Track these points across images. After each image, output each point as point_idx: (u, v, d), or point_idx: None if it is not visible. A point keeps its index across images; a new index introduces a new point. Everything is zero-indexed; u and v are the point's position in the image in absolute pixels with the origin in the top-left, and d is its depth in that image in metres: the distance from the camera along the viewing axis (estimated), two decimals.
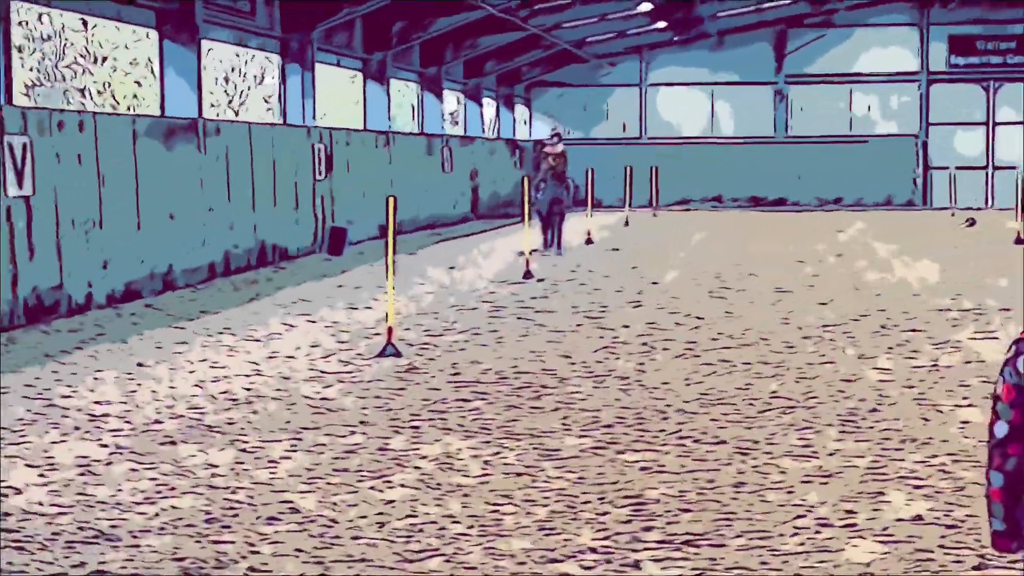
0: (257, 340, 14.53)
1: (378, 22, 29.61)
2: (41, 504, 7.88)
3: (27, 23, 37.41)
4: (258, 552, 6.90)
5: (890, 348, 13.72)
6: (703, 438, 9.54)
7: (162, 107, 20.35)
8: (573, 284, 20.14)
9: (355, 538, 7.13)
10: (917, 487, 8.15)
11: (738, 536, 7.14)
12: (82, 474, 8.62)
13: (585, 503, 7.81)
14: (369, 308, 17.36)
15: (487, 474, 8.52)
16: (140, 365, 12.86)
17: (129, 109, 37.62)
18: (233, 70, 42.65)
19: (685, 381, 11.86)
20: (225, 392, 11.47)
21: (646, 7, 36.48)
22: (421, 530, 7.27)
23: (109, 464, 8.89)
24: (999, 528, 4.01)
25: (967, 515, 7.51)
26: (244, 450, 9.27)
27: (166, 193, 18.97)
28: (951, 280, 20.29)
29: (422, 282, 20.42)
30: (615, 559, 6.74)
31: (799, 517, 7.48)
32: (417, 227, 31.74)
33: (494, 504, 7.78)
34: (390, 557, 6.78)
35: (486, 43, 35.63)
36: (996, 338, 14.33)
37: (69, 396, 11.28)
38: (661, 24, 40.86)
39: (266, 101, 43.45)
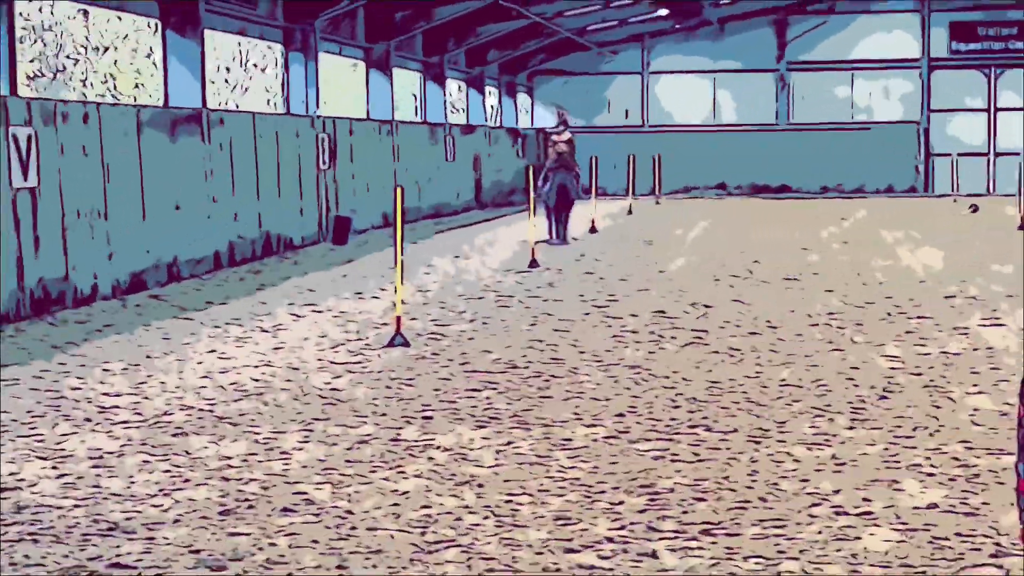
0: (265, 331, 14.52)
1: (380, 11, 29.58)
2: (54, 497, 7.88)
3: (26, 14, 37.35)
4: (275, 544, 6.89)
5: (898, 335, 13.72)
6: (715, 427, 9.54)
7: (165, 97, 20.32)
8: (579, 273, 20.13)
9: (371, 529, 7.12)
10: (931, 475, 8.15)
11: (754, 525, 7.13)
12: (94, 466, 8.62)
13: (600, 493, 7.80)
14: (376, 298, 17.35)
15: (500, 464, 8.51)
16: (148, 356, 12.86)
17: (134, 100, 37.56)
18: (234, 60, 42.60)
19: (695, 369, 11.85)
20: (234, 383, 11.46)
21: None
22: (436, 521, 7.26)
23: (121, 456, 8.88)
24: None
25: (982, 503, 7.51)
26: (256, 441, 9.26)
27: (171, 184, 18.96)
28: (956, 267, 20.28)
29: (428, 272, 20.41)
30: (632, 549, 6.74)
31: (814, 505, 7.48)
32: (421, 216, 31.73)
33: (509, 494, 7.77)
34: (407, 548, 6.77)
35: (488, 31, 35.58)
36: (1003, 325, 14.33)
37: (78, 388, 11.28)
38: (663, 12, 40.81)
39: (267, 91, 43.41)
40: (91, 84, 38.38)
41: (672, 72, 45.48)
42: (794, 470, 8.29)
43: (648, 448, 8.89)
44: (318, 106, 25.74)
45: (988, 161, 44.62)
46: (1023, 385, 4.00)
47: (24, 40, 37.56)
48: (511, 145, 41.49)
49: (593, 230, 28.28)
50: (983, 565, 6.42)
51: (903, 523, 7.12)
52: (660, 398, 10.59)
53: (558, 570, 6.42)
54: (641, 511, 7.41)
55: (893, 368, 11.84)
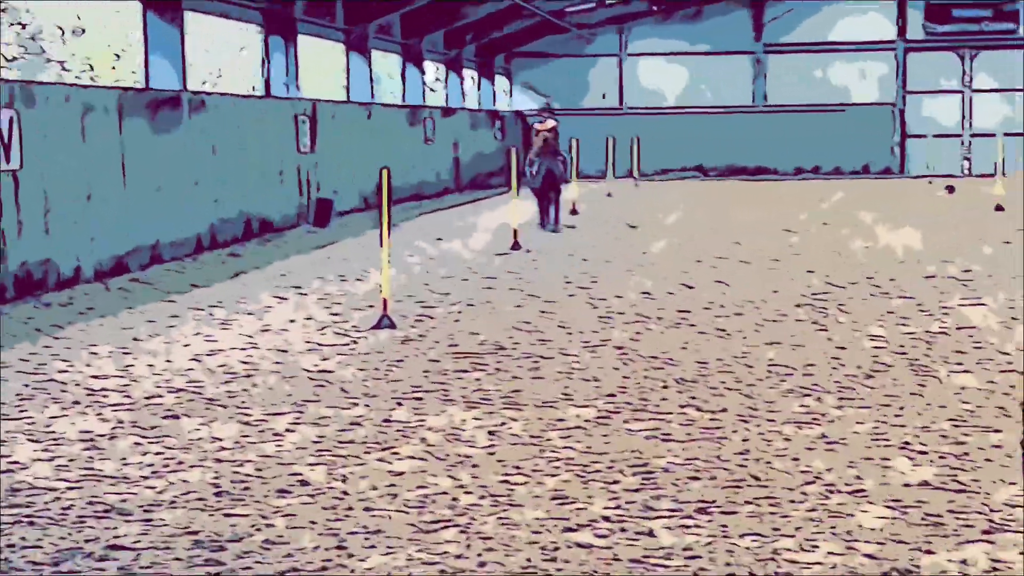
0: (250, 313, 14.52)
1: None
2: (48, 479, 7.88)
3: None
4: (272, 525, 6.91)
5: (881, 315, 13.80)
6: (705, 406, 9.59)
7: (146, 80, 20.24)
8: (562, 255, 20.16)
9: (367, 510, 7.15)
10: (921, 452, 8.22)
11: (748, 503, 7.19)
12: (87, 449, 8.62)
13: (594, 472, 7.84)
14: (360, 280, 17.36)
15: (494, 445, 8.55)
16: (134, 339, 12.84)
17: (116, 82, 37.39)
18: (214, 43, 42.40)
19: (682, 350, 11.90)
20: (222, 366, 11.46)
21: None
22: (434, 501, 7.29)
23: (113, 438, 8.88)
24: None
25: (972, 480, 7.58)
26: (248, 423, 9.27)
27: (152, 166, 18.90)
28: (935, 247, 20.39)
29: (411, 254, 20.41)
30: (629, 527, 6.78)
31: (807, 484, 7.54)
32: (401, 198, 31.70)
33: (504, 475, 7.81)
34: (405, 529, 6.80)
35: (467, 14, 35.52)
36: (984, 304, 14.43)
37: (65, 371, 11.26)
38: None
39: (245, 73, 43.22)
40: (70, 67, 38.22)
41: (649, 54, 45.49)
42: (785, 449, 8.35)
43: (640, 428, 8.94)
44: (298, 89, 25.69)
45: (963, 142, 44.78)
46: None
47: (2, 22, 37.33)
48: (489, 127, 41.47)
49: (574, 212, 28.30)
50: (977, 541, 6.48)
51: (896, 500, 7.19)
52: (649, 378, 10.63)
53: (556, 549, 6.46)
54: (636, 490, 7.46)
55: (878, 348, 11.91)
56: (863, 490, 7.39)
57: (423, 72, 35.55)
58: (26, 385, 10.64)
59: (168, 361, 11.68)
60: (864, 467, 7.88)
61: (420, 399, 9.96)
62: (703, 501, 7.22)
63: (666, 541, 6.56)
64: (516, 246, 20.87)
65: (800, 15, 44.78)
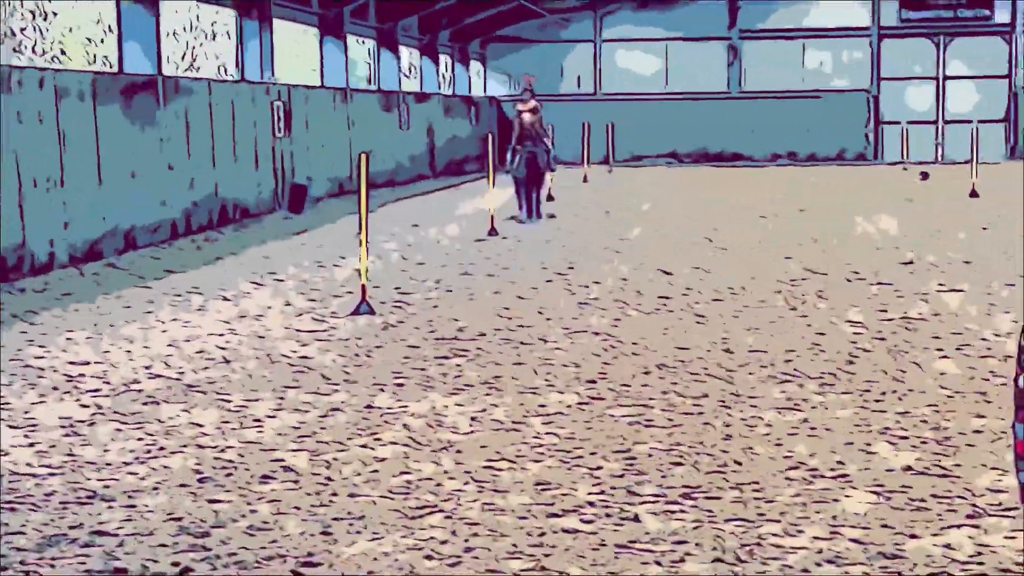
0: (227, 299, 14.46)
1: None
2: (30, 465, 7.83)
3: None
4: (256, 511, 6.88)
5: (859, 302, 13.82)
6: (686, 392, 9.59)
7: (120, 64, 20.12)
8: (539, 241, 20.15)
9: (352, 495, 7.13)
10: (903, 438, 8.24)
11: (732, 488, 7.19)
12: (67, 435, 8.57)
13: (578, 458, 7.84)
14: (337, 266, 17.31)
15: (476, 431, 8.53)
16: (111, 325, 12.77)
17: (85, 66, 37.19)
18: (184, 28, 42.20)
19: (662, 336, 11.90)
20: (201, 352, 11.41)
21: None
22: (418, 487, 7.28)
23: (93, 424, 8.83)
24: None
25: (955, 465, 7.60)
26: (228, 409, 9.23)
27: (126, 151, 18.80)
28: (911, 234, 20.44)
29: (387, 240, 20.36)
30: (614, 513, 6.78)
31: (791, 469, 7.55)
32: (376, 184, 31.60)
33: (487, 460, 7.80)
34: (390, 515, 6.78)
35: None
36: (962, 290, 14.47)
37: (42, 356, 11.19)
38: None
39: (217, 57, 43.04)
40: (42, 50, 37.97)
41: (625, 40, 45.49)
42: (767, 435, 8.36)
43: (622, 414, 8.94)
44: (273, 73, 25.57)
45: (937, 129, 44.93)
46: (1020, 347, 4.04)
47: None
48: (464, 113, 41.40)
49: (550, 198, 28.26)
50: (961, 526, 6.50)
51: (879, 485, 7.20)
52: (630, 365, 10.63)
53: (542, 534, 6.45)
54: (619, 476, 7.46)
55: (857, 334, 11.94)
56: (846, 475, 7.41)
57: (398, 57, 35.45)
58: (2, 371, 10.57)
59: (146, 347, 11.62)
60: (847, 452, 7.89)
61: (401, 385, 9.94)
62: (687, 486, 7.22)
63: (652, 526, 6.56)
64: (493, 232, 20.84)
65: (775, 2, 44.83)
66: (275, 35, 26.08)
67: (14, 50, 36.23)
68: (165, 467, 7.75)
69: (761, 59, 45.17)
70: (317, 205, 26.26)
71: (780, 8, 44.89)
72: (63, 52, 38.56)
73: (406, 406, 9.23)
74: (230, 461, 7.88)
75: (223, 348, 11.55)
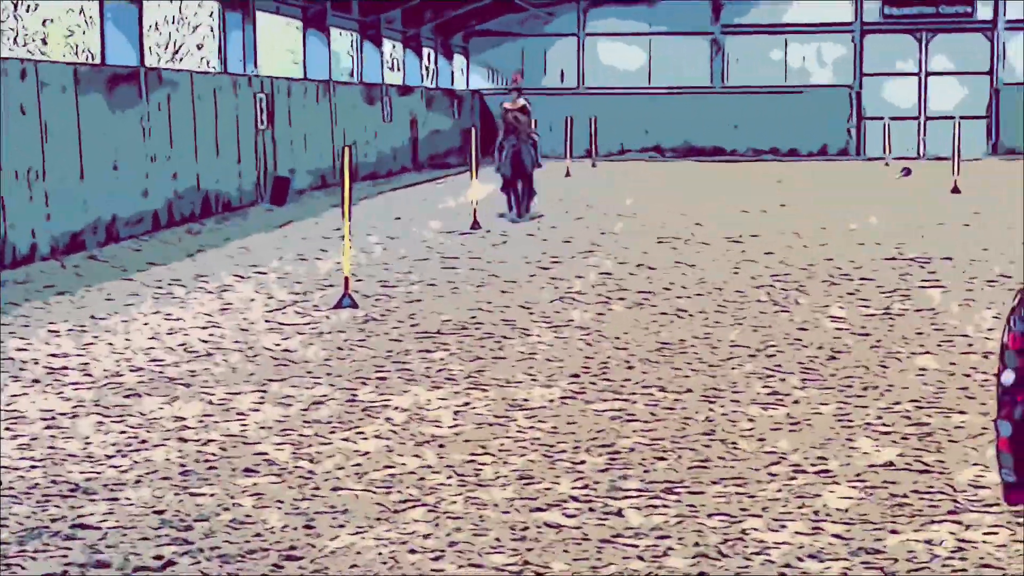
0: (209, 292, 14.43)
1: None
2: (10, 458, 7.81)
3: None
4: (239, 504, 6.88)
5: (841, 297, 13.85)
6: (669, 387, 9.61)
7: (102, 56, 20.04)
8: (521, 235, 20.14)
9: (335, 489, 7.13)
10: (884, 433, 8.27)
11: (715, 483, 7.21)
12: (48, 427, 8.55)
13: (560, 452, 7.85)
14: (319, 259, 17.28)
15: (459, 424, 8.54)
16: (92, 317, 12.74)
17: (64, 57, 37.03)
18: (166, 20, 42.04)
19: (644, 331, 11.92)
20: (183, 344, 11.39)
21: None
22: (401, 480, 7.28)
23: (75, 417, 8.82)
24: (1010, 480, 4.03)
25: (936, 460, 7.63)
26: (211, 402, 9.22)
27: (109, 143, 18.74)
28: (893, 229, 20.47)
29: (370, 233, 20.32)
30: (597, 507, 6.79)
31: (773, 464, 7.57)
32: (358, 177, 31.56)
33: (470, 454, 7.80)
34: (373, 508, 6.78)
35: None
36: (943, 287, 14.51)
37: (24, 349, 11.16)
38: None
39: (200, 49, 42.90)
40: (23, 41, 37.80)
41: (608, 34, 45.47)
42: (750, 429, 8.38)
43: (605, 408, 8.95)
44: (256, 65, 25.52)
45: (919, 124, 45.02)
46: (1002, 345, 4.05)
47: None
48: (447, 106, 41.35)
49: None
50: (942, 521, 6.53)
51: (861, 480, 7.23)
52: (612, 359, 10.64)
53: (525, 528, 6.46)
54: (603, 470, 7.47)
55: (839, 329, 11.97)
56: (829, 470, 7.43)
57: (381, 50, 35.39)
58: None
59: (127, 339, 11.60)
60: (829, 448, 7.92)
61: (384, 379, 9.94)
62: (670, 481, 7.24)
63: (634, 521, 6.58)
64: (476, 226, 20.82)
65: None
66: (258, 27, 26.02)
67: None
68: (147, 460, 7.74)
69: (744, 54, 45.19)
70: (300, 198, 26.21)
71: (763, 3, 44.92)
72: (44, 42, 38.37)
73: (389, 400, 9.23)
74: (213, 454, 7.87)
75: (205, 341, 11.53)
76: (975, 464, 7.50)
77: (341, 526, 6.51)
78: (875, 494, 6.97)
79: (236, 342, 11.46)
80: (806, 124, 44.57)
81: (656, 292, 14.24)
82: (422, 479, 7.30)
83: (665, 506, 6.81)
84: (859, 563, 5.97)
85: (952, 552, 6.10)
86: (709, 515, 6.65)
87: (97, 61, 20.15)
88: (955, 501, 6.85)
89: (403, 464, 7.60)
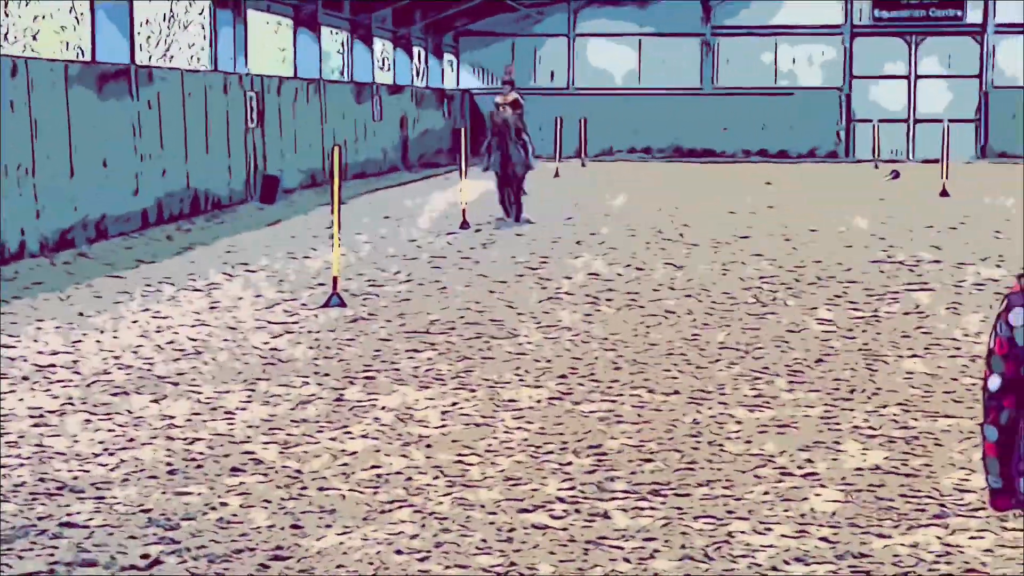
0: (198, 290, 14.42)
1: None
2: None
3: None
4: (226, 503, 6.88)
5: (829, 299, 13.88)
6: (657, 388, 9.62)
7: (93, 53, 20.01)
8: (510, 235, 20.15)
9: (322, 489, 7.13)
10: (871, 436, 8.29)
11: (701, 485, 7.22)
12: (36, 425, 8.54)
13: (548, 453, 7.86)
14: (308, 258, 17.28)
15: (447, 425, 8.54)
16: (81, 315, 12.73)
17: (55, 54, 36.97)
18: (156, 17, 41.97)
19: (632, 332, 11.93)
20: (171, 342, 11.38)
21: None
22: (387, 481, 7.28)
23: (63, 415, 8.81)
24: (996, 486, 4.04)
25: (923, 464, 7.65)
26: (199, 401, 9.22)
27: (99, 140, 18.72)
28: (881, 232, 20.51)
29: (359, 232, 20.32)
30: (584, 509, 6.80)
31: (760, 467, 7.58)
32: (348, 176, 31.54)
33: (458, 455, 7.81)
34: (359, 508, 6.79)
35: None
36: (931, 289, 14.54)
37: (12, 346, 11.14)
38: None
39: (191, 47, 42.83)
40: (13, 38, 37.73)
41: (598, 35, 45.48)
42: (737, 432, 8.39)
43: (592, 409, 8.96)
44: (246, 64, 25.49)
45: (908, 127, 45.09)
46: (989, 350, 4.06)
47: None
48: (437, 106, 41.34)
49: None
50: (929, 525, 6.55)
51: (848, 484, 7.24)
52: (600, 360, 10.65)
53: (512, 530, 6.47)
54: (590, 471, 7.48)
55: (827, 331, 11.99)
56: (815, 473, 7.45)
57: (371, 49, 35.37)
58: None
59: (116, 337, 11.59)
60: (816, 450, 7.93)
61: (371, 378, 9.94)
62: (656, 483, 7.25)
63: (621, 523, 6.59)
64: (465, 225, 20.83)
65: None
66: (249, 26, 25.99)
67: None
68: (135, 459, 7.74)
69: (735, 55, 45.23)
70: (289, 196, 26.19)
71: (754, 5, 44.96)
72: (35, 39, 38.29)
73: (377, 399, 9.23)
74: (200, 453, 7.87)
75: (194, 339, 11.52)
76: (961, 468, 7.53)
77: (328, 526, 6.52)
78: (861, 497, 6.99)
79: (224, 340, 11.46)
80: (796, 126, 44.62)
81: (644, 293, 14.26)
82: (409, 479, 7.30)
83: (652, 508, 6.82)
84: (845, 566, 5.99)
85: (938, 556, 6.12)
86: (695, 517, 6.66)
87: (88, 58, 20.12)
88: (941, 505, 6.87)
89: (390, 464, 7.60)
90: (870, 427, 8.51)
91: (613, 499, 6.97)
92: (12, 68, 16.45)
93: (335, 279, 13.39)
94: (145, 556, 6.09)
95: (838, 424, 8.59)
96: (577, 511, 6.76)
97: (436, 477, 7.36)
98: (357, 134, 32.73)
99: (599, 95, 45.07)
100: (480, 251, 18.07)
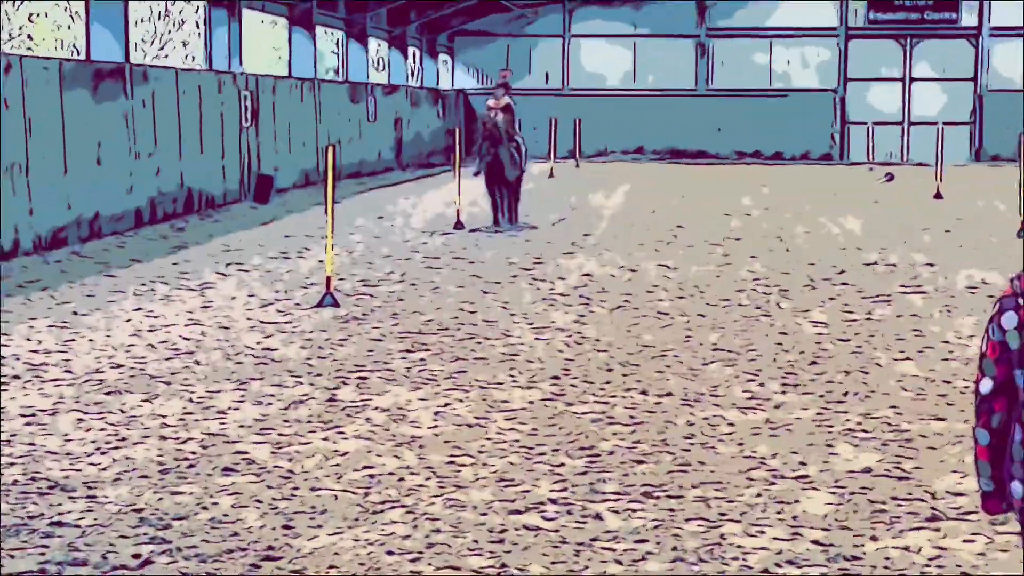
0: (192, 289, 14.41)
1: None
2: None
3: None
4: (218, 503, 6.87)
5: (823, 302, 13.88)
6: (649, 390, 9.62)
7: (87, 52, 19.99)
8: (504, 235, 20.13)
9: (314, 489, 7.12)
10: (864, 439, 8.29)
11: (694, 487, 7.22)
12: (28, 423, 8.53)
13: (540, 454, 7.85)
14: (301, 257, 17.27)
15: (439, 425, 8.54)
16: (74, 313, 12.71)
17: (49, 52, 36.92)
18: (151, 16, 41.93)
19: (626, 333, 11.93)
20: (164, 342, 11.37)
21: None
22: (379, 481, 7.28)
23: (55, 414, 8.80)
24: (987, 489, 4.04)
25: (915, 467, 7.65)
26: (191, 400, 9.21)
27: (92, 139, 18.69)
28: (875, 235, 20.52)
29: (353, 232, 20.31)
30: (575, 510, 6.79)
31: (752, 469, 7.58)
32: (342, 176, 31.50)
33: (450, 456, 7.80)
34: (351, 509, 6.78)
35: None
36: (925, 292, 14.55)
37: (5, 345, 11.12)
38: None
39: (185, 46, 42.79)
40: (8, 36, 37.68)
41: (593, 36, 45.48)
42: (730, 434, 8.39)
43: (585, 411, 8.96)
44: (241, 63, 25.47)
45: (902, 130, 45.13)
46: (981, 353, 4.06)
47: None
48: (432, 106, 41.33)
49: None
50: (920, 528, 6.55)
51: (840, 487, 7.24)
52: (593, 361, 10.65)
53: (503, 531, 6.46)
54: (582, 473, 7.47)
55: (820, 334, 11.99)
56: (807, 476, 7.45)
57: (366, 49, 35.36)
58: None
59: (109, 336, 11.57)
60: (808, 453, 7.93)
61: (364, 378, 9.93)
62: (649, 485, 7.25)
63: (613, 524, 6.58)
64: (459, 226, 20.82)
65: (745, 1, 44.92)
66: (243, 25, 25.97)
67: None
68: (127, 458, 7.73)
69: (729, 57, 45.25)
70: (283, 195, 26.17)
71: (749, 6, 44.98)
72: (30, 37, 38.25)
73: (369, 400, 9.23)
74: (192, 453, 7.86)
75: (187, 339, 11.51)
76: (954, 471, 7.53)
77: (319, 526, 6.51)
78: (854, 500, 6.99)
79: (217, 340, 11.44)
80: (790, 128, 44.63)
81: (638, 294, 14.26)
82: (401, 480, 7.30)
83: (644, 510, 6.81)
84: (837, 569, 5.99)
85: (930, 559, 6.12)
86: (687, 519, 6.66)
87: (82, 57, 20.10)
88: (934, 508, 6.87)
89: (382, 465, 7.60)
90: (863, 430, 8.51)
91: (605, 501, 6.96)
92: (6, 66, 16.43)
93: (328, 279, 13.38)
94: (136, 555, 6.08)
95: (831, 426, 8.59)
96: (569, 512, 6.75)
97: (428, 478, 7.35)
98: (352, 134, 32.71)
99: (594, 96, 45.07)
100: (474, 251, 18.07)
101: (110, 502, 6.87)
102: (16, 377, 9.89)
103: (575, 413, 8.89)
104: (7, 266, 15.70)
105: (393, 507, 6.82)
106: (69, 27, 37.16)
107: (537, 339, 11.61)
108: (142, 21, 41.50)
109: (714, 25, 45.16)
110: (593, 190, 29.96)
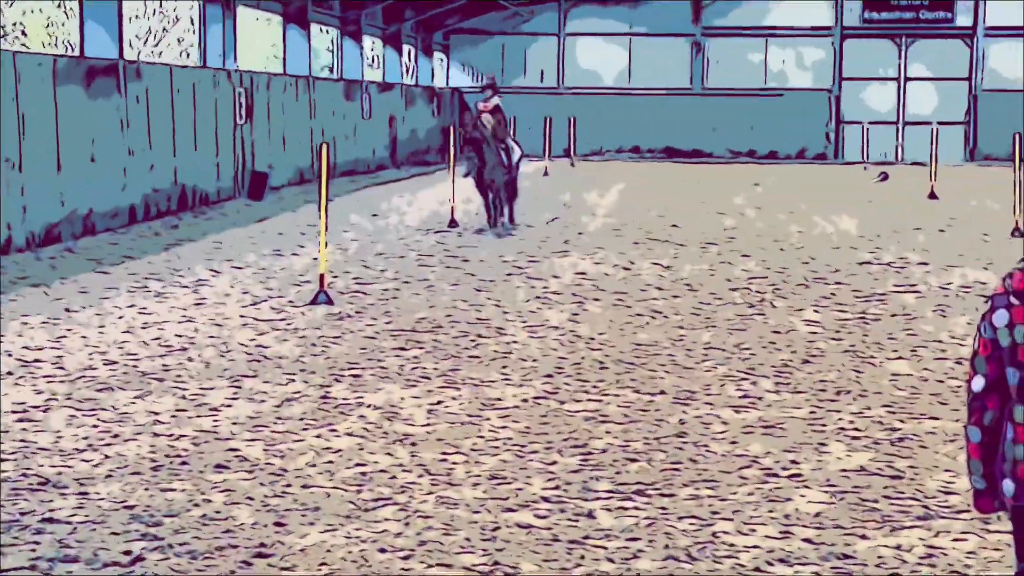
0: (185, 286, 14.39)
1: None
2: None
3: None
4: (210, 500, 6.86)
5: (816, 300, 13.88)
6: (642, 388, 9.61)
7: (81, 48, 19.97)
8: (498, 234, 20.11)
9: (306, 487, 7.11)
10: (856, 438, 8.29)
11: (686, 485, 7.22)
12: (20, 420, 8.51)
13: (533, 452, 7.85)
14: (295, 255, 17.25)
15: (432, 423, 8.53)
16: (67, 310, 12.69)
17: (44, 48, 36.87)
18: (145, 13, 41.89)
19: (619, 332, 11.93)
20: (157, 339, 11.35)
21: None
22: (372, 479, 7.27)
23: (47, 411, 8.78)
24: (979, 487, 4.03)
25: (907, 466, 7.65)
26: (184, 397, 9.20)
27: (86, 135, 18.67)
28: (869, 234, 20.53)
29: (347, 229, 20.30)
30: (568, 508, 6.79)
31: (745, 467, 7.58)
32: (336, 174, 31.49)
33: (442, 453, 7.79)
34: (343, 506, 6.77)
35: None
36: (918, 292, 14.56)
37: None
38: None
39: (179, 43, 42.75)
40: (3, 32, 37.64)
41: (589, 34, 45.49)
42: (723, 432, 8.39)
43: (578, 409, 8.95)
44: (236, 60, 25.45)
45: (897, 129, 45.16)
46: (973, 351, 4.06)
47: None
48: (427, 104, 41.31)
49: None
50: (912, 527, 6.55)
51: (832, 485, 7.24)
52: (587, 359, 10.65)
53: (496, 528, 6.46)
54: (575, 471, 7.47)
55: (814, 333, 11.99)
56: (800, 474, 7.45)
57: (361, 47, 35.34)
58: None
59: (101, 333, 11.55)
60: (801, 451, 7.93)
61: (357, 376, 9.92)
62: (641, 483, 7.24)
63: (605, 523, 6.58)
64: (453, 224, 20.81)
65: (740, 0, 44.93)
66: (238, 22, 25.95)
67: None
68: (119, 455, 7.72)
69: (725, 56, 45.26)
70: (278, 193, 26.16)
71: (744, 6, 44.99)
72: (24, 33, 38.20)
73: (362, 397, 9.22)
74: (184, 450, 7.85)
75: (180, 336, 11.49)
76: (946, 470, 7.53)
77: (311, 524, 6.50)
78: (846, 499, 6.99)
79: (211, 337, 11.43)
80: (785, 127, 44.66)
81: (631, 293, 14.25)
82: (393, 477, 7.29)
83: (636, 508, 6.81)
84: (829, 567, 5.99)
85: (921, 558, 6.12)
86: (680, 518, 6.66)
87: (76, 53, 20.07)
88: (926, 507, 6.87)
89: (375, 462, 7.59)
90: (855, 428, 8.52)
91: (598, 499, 6.96)
92: None
93: (322, 276, 13.37)
94: (128, 552, 6.07)
95: (823, 425, 8.59)
96: (561, 510, 6.75)
97: (421, 475, 7.34)
98: (346, 131, 32.70)
99: (589, 95, 45.08)
100: (468, 250, 18.06)
101: (102, 499, 6.86)
102: (8, 373, 9.87)
103: (568, 411, 8.89)
104: (0, 262, 15.67)
105: (385, 505, 6.81)
106: (64, 24, 37.14)
107: (531, 337, 11.60)
108: (136, 18, 41.47)
109: (709, 24, 45.17)
110: (588, 189, 29.96)
